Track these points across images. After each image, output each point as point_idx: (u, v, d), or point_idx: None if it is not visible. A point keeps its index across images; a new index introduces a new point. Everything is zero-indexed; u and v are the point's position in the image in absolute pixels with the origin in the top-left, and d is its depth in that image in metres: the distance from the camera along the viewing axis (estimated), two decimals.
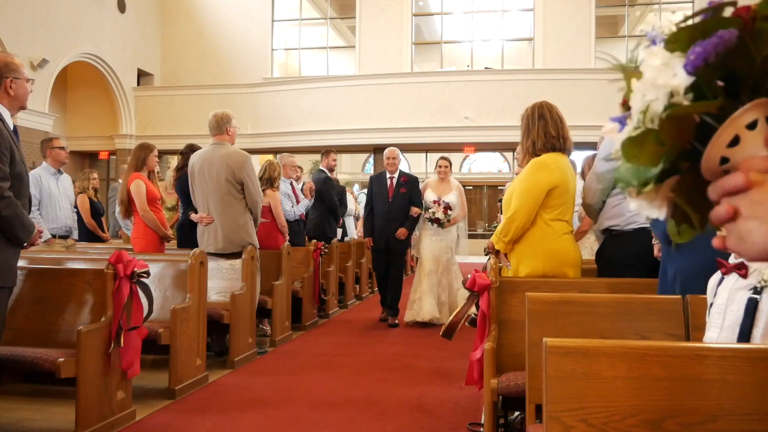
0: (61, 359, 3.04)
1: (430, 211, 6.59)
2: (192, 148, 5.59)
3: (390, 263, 6.85)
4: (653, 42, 0.75)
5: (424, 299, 6.61)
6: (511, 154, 16.43)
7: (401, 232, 6.62)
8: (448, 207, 6.55)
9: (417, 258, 7.08)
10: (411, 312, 6.70)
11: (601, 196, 3.39)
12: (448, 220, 6.56)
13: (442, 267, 6.69)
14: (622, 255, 3.39)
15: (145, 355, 3.69)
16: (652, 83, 0.69)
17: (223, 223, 4.94)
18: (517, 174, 6.39)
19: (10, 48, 11.53)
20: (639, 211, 0.74)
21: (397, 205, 6.68)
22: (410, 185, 6.75)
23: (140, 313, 3.47)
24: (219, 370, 4.65)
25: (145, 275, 3.47)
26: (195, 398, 4.02)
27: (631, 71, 0.75)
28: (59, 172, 5.82)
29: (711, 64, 0.66)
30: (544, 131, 3.33)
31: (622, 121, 0.74)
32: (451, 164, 6.98)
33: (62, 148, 5.79)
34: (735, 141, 0.66)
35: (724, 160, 0.67)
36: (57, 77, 13.19)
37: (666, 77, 0.68)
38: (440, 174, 6.86)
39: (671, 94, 0.68)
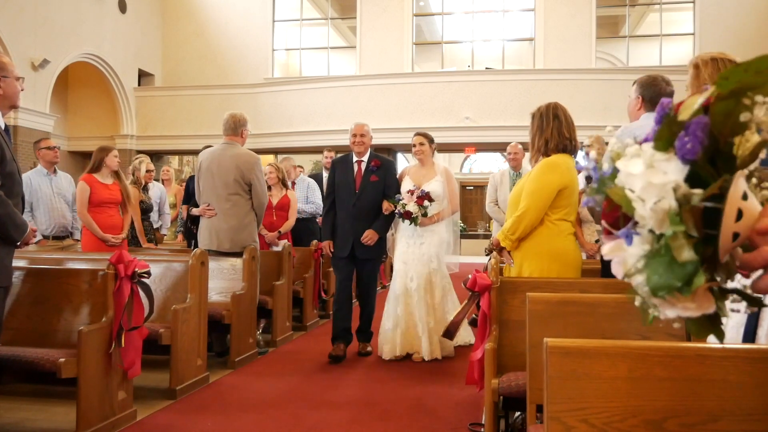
0: (62, 359, 3.04)
1: (400, 203, 4.99)
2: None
3: (358, 277, 5.32)
4: (589, 179, 0.80)
5: (398, 329, 4.99)
6: None
7: (368, 236, 5.01)
8: (425, 197, 4.96)
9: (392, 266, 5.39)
10: (385, 345, 5.08)
11: None
12: (425, 214, 4.97)
13: (424, 281, 4.99)
14: None
15: (146, 355, 3.69)
16: (650, 186, 0.70)
17: (228, 223, 4.97)
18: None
19: (11, 48, 11.53)
20: (686, 315, 0.73)
21: (366, 199, 5.09)
22: (384, 171, 5.17)
23: (141, 314, 3.48)
24: (220, 371, 4.65)
25: (146, 275, 3.48)
26: (196, 398, 4.02)
27: (611, 189, 0.76)
28: (54, 172, 5.78)
29: (704, 146, 0.69)
30: (558, 131, 3.34)
31: (629, 235, 0.74)
32: (431, 141, 5.28)
33: (51, 148, 5.74)
34: (739, 215, 0.70)
35: (735, 236, 0.71)
36: (58, 77, 13.18)
37: (660, 177, 0.70)
38: (417, 155, 5.23)
39: (674, 190, 0.70)
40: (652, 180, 0.70)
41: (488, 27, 16.08)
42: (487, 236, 17.44)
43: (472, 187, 24.17)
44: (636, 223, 0.73)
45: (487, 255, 6.02)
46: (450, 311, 4.98)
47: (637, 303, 0.75)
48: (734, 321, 1.69)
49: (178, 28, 16.24)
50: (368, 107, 14.52)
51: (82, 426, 3.12)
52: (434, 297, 5.02)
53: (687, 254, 0.69)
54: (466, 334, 5.42)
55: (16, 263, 3.13)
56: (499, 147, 18.76)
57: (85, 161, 15.80)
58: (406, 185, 5.15)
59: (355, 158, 5.23)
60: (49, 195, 5.71)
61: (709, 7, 14.01)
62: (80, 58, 13.78)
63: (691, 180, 0.70)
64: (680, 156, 0.70)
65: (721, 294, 0.73)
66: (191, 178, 5.73)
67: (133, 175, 6.48)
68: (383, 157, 5.35)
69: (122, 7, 14.94)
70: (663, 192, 0.69)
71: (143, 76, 16.07)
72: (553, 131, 3.34)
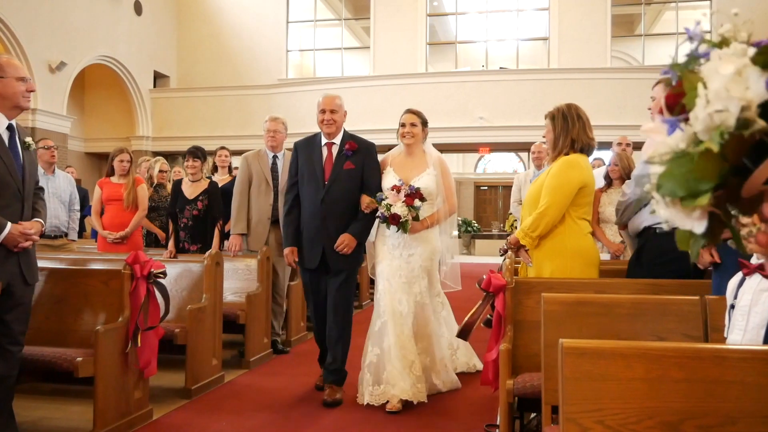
0: (80, 359, 3.07)
1: (383, 203, 3.80)
2: (192, 150, 5.70)
3: (328, 294, 3.98)
4: (691, 39, 0.74)
5: (389, 366, 3.73)
6: (527, 154, 16.28)
7: (344, 243, 3.84)
8: (416, 195, 3.80)
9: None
10: (366, 386, 3.82)
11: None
12: (417, 218, 3.80)
13: (414, 304, 3.90)
14: (670, 253, 3.23)
15: (162, 354, 3.72)
16: (724, 93, 0.66)
17: None
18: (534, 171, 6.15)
19: (28, 51, 11.68)
20: (670, 221, 0.72)
21: (338, 192, 3.91)
22: (362, 156, 3.98)
23: (157, 314, 3.50)
24: (234, 370, 4.68)
25: (161, 276, 3.50)
26: (211, 398, 4.05)
27: (688, 71, 0.72)
28: (52, 172, 5.76)
29: None
30: (584, 131, 3.33)
31: (674, 125, 0.71)
32: (424, 123, 4.07)
33: (47, 147, 5.71)
34: None
35: None
36: (75, 79, 13.33)
37: (739, 88, 0.65)
38: (405, 138, 4.01)
39: (743, 108, 0.65)
40: (730, 88, 0.65)
41: (502, 26, 16.04)
42: (501, 237, 17.38)
43: (486, 187, 24.10)
44: (687, 119, 0.69)
45: (501, 255, 6.00)
46: (445, 334, 4.30)
47: (647, 189, 0.75)
48: (754, 323, 1.67)
49: (192, 30, 16.35)
50: (382, 107, 14.53)
51: (98, 425, 3.15)
52: (426, 324, 3.99)
53: (707, 174, 0.67)
54: (462, 354, 4.65)
55: None
56: (514, 147, 18.71)
57: (102, 162, 15.98)
58: (389, 180, 3.96)
59: (324, 140, 4.03)
60: (45, 195, 5.70)
61: (726, 4, 13.87)
62: (96, 60, 13.92)
63: (764, 109, 0.65)
64: None
65: (720, 222, 0.71)
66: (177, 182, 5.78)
67: (148, 173, 6.53)
68: (361, 139, 4.07)
69: (138, 10, 15.07)
70: (731, 104, 0.65)
71: (158, 77, 16.20)
72: (579, 131, 3.30)
